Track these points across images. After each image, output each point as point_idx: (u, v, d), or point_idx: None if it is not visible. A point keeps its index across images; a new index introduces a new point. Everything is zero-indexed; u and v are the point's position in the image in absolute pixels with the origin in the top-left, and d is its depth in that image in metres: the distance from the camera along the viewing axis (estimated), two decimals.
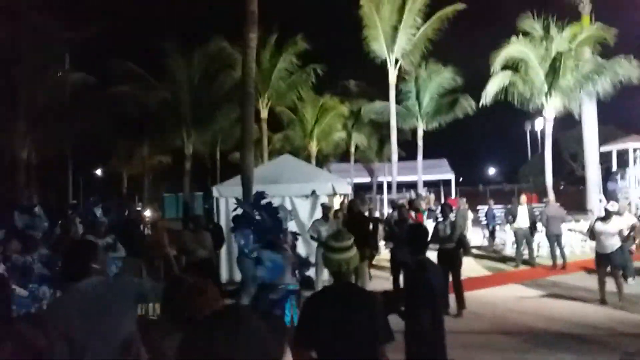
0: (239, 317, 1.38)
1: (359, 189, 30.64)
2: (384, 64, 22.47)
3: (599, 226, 9.53)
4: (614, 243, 9.34)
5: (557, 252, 13.58)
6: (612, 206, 9.65)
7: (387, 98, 23.01)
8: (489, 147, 56.77)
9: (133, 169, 33.11)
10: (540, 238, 15.33)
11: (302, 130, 28.16)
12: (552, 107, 19.80)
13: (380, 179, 33.07)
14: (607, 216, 9.54)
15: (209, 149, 31.07)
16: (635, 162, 20.47)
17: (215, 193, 12.89)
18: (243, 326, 1.32)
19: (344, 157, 33.06)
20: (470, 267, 12.09)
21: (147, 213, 14.85)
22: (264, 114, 23.34)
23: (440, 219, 10.03)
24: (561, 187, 33.70)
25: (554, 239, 13.71)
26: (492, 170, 65.12)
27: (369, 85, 28.59)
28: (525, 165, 44.41)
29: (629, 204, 18.16)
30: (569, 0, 21.01)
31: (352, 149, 31.15)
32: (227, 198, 12.33)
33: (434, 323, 4.20)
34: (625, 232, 9.83)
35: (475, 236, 18.65)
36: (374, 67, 23.05)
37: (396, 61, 22.32)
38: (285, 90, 23.72)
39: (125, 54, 24.01)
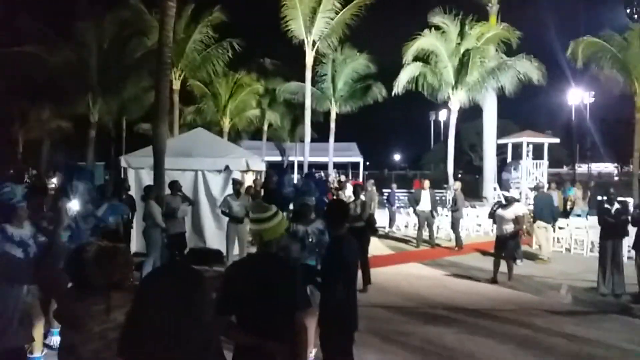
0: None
1: (271, 167, 30.61)
2: (301, 45, 22.57)
3: (500, 212, 10.37)
4: (510, 228, 10.21)
5: (457, 234, 14.58)
6: (511, 194, 10.49)
7: (303, 79, 23.21)
8: (397, 134, 58.73)
9: (30, 133, 30.97)
10: (440, 221, 16.35)
11: (215, 105, 27.70)
12: (458, 99, 20.90)
13: (291, 158, 33.36)
14: (507, 203, 10.40)
15: (115, 117, 29.70)
16: (527, 155, 22.10)
17: (123, 163, 12.47)
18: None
19: (256, 134, 32.95)
20: (375, 246, 12.61)
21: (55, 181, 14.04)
22: (176, 85, 22.68)
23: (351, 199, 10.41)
24: (459, 176, 35.64)
25: (458, 222, 14.69)
26: (398, 157, 67.50)
27: (285, 65, 28.62)
28: (428, 153, 46.52)
29: (520, 193, 19.63)
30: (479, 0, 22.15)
31: (265, 127, 31.11)
32: (136, 169, 12.02)
33: (348, 296, 4.41)
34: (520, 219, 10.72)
35: (381, 217, 19.41)
36: (291, 47, 23.10)
37: (314, 43, 22.49)
38: (199, 63, 23.14)
39: (30, 11, 22.26)
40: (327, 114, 26.43)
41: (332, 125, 26.02)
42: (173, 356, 1.69)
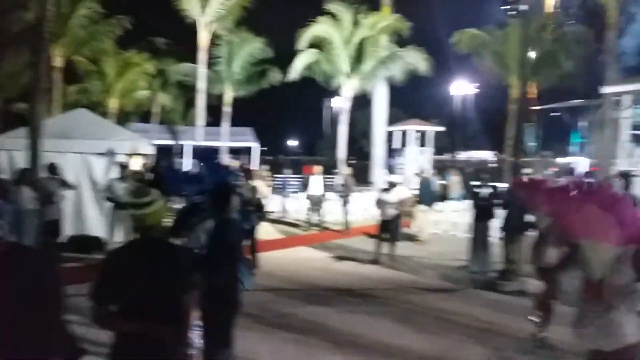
0: None
1: (161, 150, 29.70)
2: (196, 25, 22.01)
3: (383, 196, 10.87)
4: (392, 211, 10.76)
5: (345, 218, 15.07)
6: (395, 179, 11.03)
7: (197, 60, 22.66)
8: (293, 119, 59.01)
9: None
10: (329, 205, 16.79)
11: (102, 85, 26.26)
12: (350, 87, 21.46)
13: (183, 142, 32.47)
14: (389, 187, 10.93)
15: None
16: (414, 142, 23.27)
17: None
18: None
19: (147, 117, 31.70)
20: (265, 231, 12.73)
21: None
22: (58, 62, 21.25)
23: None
24: (352, 161, 36.67)
25: (347, 206, 15.18)
26: (294, 142, 68.02)
27: (179, 45, 27.70)
28: (323, 140, 47.37)
29: (405, 178, 20.63)
30: None
31: (156, 110, 30.04)
32: (10, 151, 11.21)
33: (231, 278, 4.47)
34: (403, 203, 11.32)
35: (274, 202, 19.57)
36: (185, 27, 22.45)
37: (209, 23, 22.00)
38: (85, 40, 21.83)
39: None
40: (222, 97, 26.04)
41: (227, 109, 25.69)
42: None
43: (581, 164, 22.44)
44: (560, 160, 28.66)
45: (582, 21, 21.88)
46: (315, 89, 27.38)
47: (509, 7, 11.04)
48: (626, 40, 27.67)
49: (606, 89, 15.69)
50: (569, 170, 18.59)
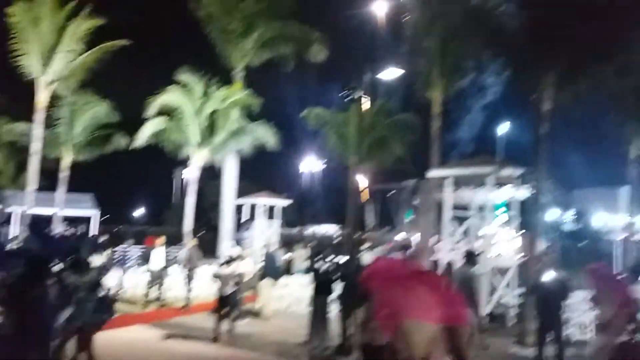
0: None
1: None
2: (35, 82, 20.63)
3: (221, 270, 10.67)
4: (231, 286, 10.57)
5: (188, 293, 14.49)
6: (234, 252, 10.92)
7: (33, 120, 21.05)
8: (140, 187, 56.60)
9: None
10: (171, 280, 16.06)
11: None
12: (200, 157, 21.32)
13: (11, 208, 29.44)
14: (229, 261, 10.77)
15: None
16: (262, 215, 23.48)
17: None
18: None
19: None
20: None
21: None
22: None
23: None
24: (200, 233, 35.89)
25: (190, 281, 14.64)
26: (140, 211, 64.98)
27: (15, 102, 25.60)
28: (170, 210, 46.00)
29: (252, 252, 20.59)
30: (226, 63, 23.30)
31: None
32: None
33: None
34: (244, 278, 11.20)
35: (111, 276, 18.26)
36: (24, 84, 20.92)
37: (50, 83, 20.74)
38: None
39: None
40: (60, 161, 24.29)
41: (65, 173, 23.96)
42: None
43: (413, 240, 24.23)
44: (395, 236, 30.71)
45: (412, 110, 24.32)
46: (166, 158, 26.77)
47: (347, 92, 12.07)
48: (464, 129, 31.34)
49: (431, 173, 17.37)
50: (401, 247, 19.93)
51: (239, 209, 25.73)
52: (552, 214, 38.12)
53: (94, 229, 31.48)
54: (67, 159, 23.85)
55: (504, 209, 16.87)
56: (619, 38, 12.47)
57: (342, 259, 12.19)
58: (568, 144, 34.54)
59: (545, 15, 12.13)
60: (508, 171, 15.17)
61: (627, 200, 21.17)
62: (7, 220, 26.95)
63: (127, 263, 18.57)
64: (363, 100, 15.74)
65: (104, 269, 8.82)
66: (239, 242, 23.12)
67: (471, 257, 10.13)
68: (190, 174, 21.86)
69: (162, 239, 15.24)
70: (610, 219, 34.43)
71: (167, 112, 20.92)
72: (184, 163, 34.23)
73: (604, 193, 35.79)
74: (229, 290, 10.53)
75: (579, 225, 39.23)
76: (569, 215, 40.87)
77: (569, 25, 11.74)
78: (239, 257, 11.35)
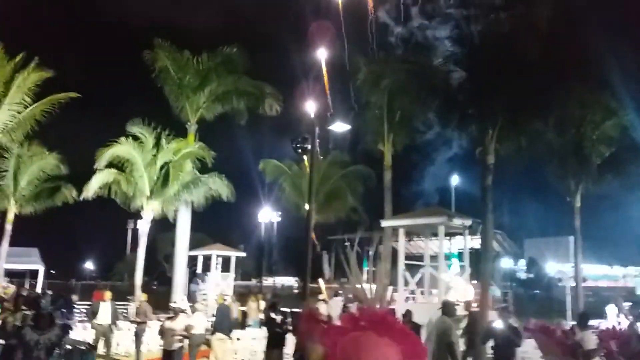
0: None
1: None
2: None
3: (167, 324, 10.33)
4: (177, 341, 10.23)
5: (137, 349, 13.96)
6: (180, 305, 10.64)
7: None
8: (90, 240, 54.79)
9: None
10: (120, 335, 15.44)
11: None
12: (151, 209, 20.97)
13: None
14: (175, 315, 10.46)
15: None
16: (216, 267, 23.09)
17: None
18: None
19: None
20: None
21: None
22: None
23: None
24: (153, 286, 34.97)
25: (140, 336, 14.10)
26: (90, 265, 62.71)
27: None
28: (122, 262, 44.71)
29: (206, 305, 20.08)
30: (179, 116, 23.35)
31: None
32: None
33: None
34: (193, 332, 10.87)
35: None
36: None
37: None
38: None
39: None
40: (4, 214, 23.41)
41: (8, 226, 23.06)
42: None
43: (369, 290, 24.18)
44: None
45: (365, 162, 24.89)
46: (118, 210, 26.22)
47: (299, 144, 12.23)
48: (415, 180, 31.99)
49: (384, 223, 17.60)
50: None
51: (193, 260, 25.27)
52: (504, 263, 38.88)
53: (39, 282, 30.20)
54: (12, 212, 23.02)
55: (455, 259, 17.17)
56: (555, 93, 13.21)
57: (297, 310, 12.01)
58: (516, 195, 35.78)
59: (484, 72, 12.77)
60: (458, 221, 15.51)
61: (574, 249, 21.84)
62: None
63: (73, 318, 17.73)
64: (316, 152, 15.96)
65: (65, 326, 8.37)
66: (192, 294, 22.57)
67: (448, 307, 9.98)
68: (142, 226, 21.39)
69: (109, 293, 14.68)
70: (560, 267, 35.37)
71: (117, 164, 20.65)
72: (136, 215, 33.67)
73: (554, 242, 36.90)
74: (175, 345, 10.18)
75: (532, 273, 40.06)
76: (521, 264, 41.76)
77: (507, 82, 12.38)
78: (183, 311, 11.00)
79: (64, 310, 15.68)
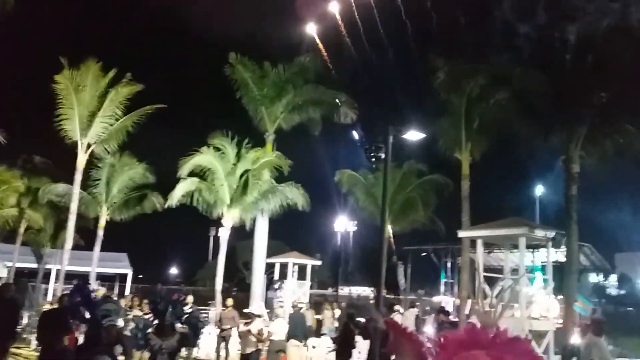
0: None
1: (21, 274, 27.40)
2: (75, 145, 21.60)
3: (242, 328, 10.62)
4: (252, 345, 10.47)
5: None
6: (255, 311, 10.89)
7: (73, 181, 21.93)
8: (174, 246, 57.18)
9: None
10: (204, 340, 15.97)
11: None
12: (231, 217, 21.61)
13: (49, 266, 30.17)
14: (250, 320, 10.73)
15: None
16: (293, 274, 23.36)
17: None
18: None
19: (12, 236, 29.40)
20: None
21: None
22: None
23: None
24: (233, 292, 35.90)
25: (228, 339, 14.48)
26: (175, 270, 65.34)
27: (56, 163, 26.78)
28: (203, 269, 46.19)
29: (284, 312, 20.38)
30: (257, 127, 23.96)
31: (22, 229, 28.02)
32: None
33: None
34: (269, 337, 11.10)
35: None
36: (64, 146, 21.95)
37: (89, 146, 21.69)
38: None
39: None
40: (96, 220, 24.97)
41: (101, 232, 24.56)
42: None
43: (449, 302, 23.62)
44: (430, 298, 30.01)
45: (441, 171, 24.40)
46: (200, 217, 27.24)
47: (372, 153, 12.20)
48: (494, 189, 31.07)
49: (461, 234, 17.12)
50: (438, 310, 19.43)
51: (270, 268, 25.72)
52: (593, 278, 36.73)
53: (127, 286, 31.89)
54: (103, 219, 24.51)
55: (538, 273, 16.42)
56: None
57: (371, 320, 11.92)
58: (606, 206, 33.77)
59: (569, 77, 12.22)
60: (540, 233, 14.81)
61: None
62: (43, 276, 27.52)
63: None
64: (392, 161, 15.84)
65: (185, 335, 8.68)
66: (269, 301, 22.98)
67: (598, 326, 9.05)
68: (223, 234, 22.08)
69: (190, 297, 15.23)
70: None
71: (200, 173, 21.46)
72: (217, 223, 34.78)
73: None
74: (249, 349, 10.42)
75: (623, 289, 37.61)
76: (612, 279, 39.28)
77: (593, 88, 11.79)
78: (259, 316, 11.22)
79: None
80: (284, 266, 24.41)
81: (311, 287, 27.02)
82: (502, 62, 15.38)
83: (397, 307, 19.55)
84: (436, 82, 20.74)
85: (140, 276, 42.88)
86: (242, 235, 30.14)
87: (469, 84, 19.17)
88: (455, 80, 19.91)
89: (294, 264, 23.80)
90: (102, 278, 28.51)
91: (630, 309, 33.85)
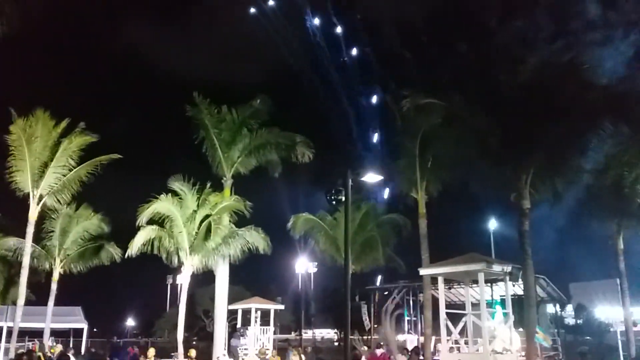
0: None
1: None
2: (27, 197, 20.99)
3: None
4: None
5: None
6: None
7: (24, 234, 21.19)
8: (130, 297, 55.46)
9: None
10: None
11: None
12: (191, 264, 21.23)
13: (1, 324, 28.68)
14: None
15: None
16: (256, 320, 23.02)
17: None
18: None
19: None
20: None
21: None
22: None
23: None
24: (194, 342, 34.94)
25: None
26: (131, 322, 63.11)
27: (7, 217, 25.83)
28: (162, 319, 44.90)
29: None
30: (215, 172, 23.91)
31: None
32: None
33: None
34: None
35: None
36: (16, 198, 21.28)
37: (41, 197, 21.11)
38: None
39: None
40: (50, 274, 24.09)
41: (54, 286, 23.68)
42: None
43: (413, 341, 23.69)
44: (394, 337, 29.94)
45: (400, 210, 24.80)
46: (157, 266, 26.63)
47: (332, 196, 12.35)
48: (464, 225, 31.74)
49: (422, 271, 17.38)
50: (402, 349, 19.42)
51: (232, 315, 25.29)
52: (550, 309, 37.55)
53: (83, 340, 30.59)
54: (57, 272, 23.70)
55: (498, 306, 16.77)
56: (590, 136, 13.13)
57: None
58: (559, 238, 34.92)
59: (516, 117, 12.85)
60: (498, 267, 15.23)
61: (623, 292, 21.07)
62: None
63: None
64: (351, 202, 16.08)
65: None
66: (233, 349, 22.49)
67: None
68: (183, 281, 21.64)
69: (152, 351, 14.85)
70: (609, 311, 33.95)
71: (159, 220, 21.10)
72: (174, 270, 34.02)
73: (600, 285, 35.58)
74: None
75: (580, 319, 38.52)
76: (569, 309, 40.25)
77: (539, 127, 12.42)
78: None
79: None
80: (246, 312, 24.06)
81: (274, 332, 26.64)
82: (455, 102, 16.01)
83: (364, 347, 19.48)
84: (391, 124, 21.33)
85: (96, 330, 41.31)
86: (201, 282, 29.64)
87: (421, 125, 19.83)
88: (407, 122, 20.55)
89: (257, 309, 23.52)
90: (56, 334, 27.32)
91: (588, 337, 34.65)
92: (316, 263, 42.95)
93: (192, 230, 21.22)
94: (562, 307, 39.03)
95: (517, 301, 16.96)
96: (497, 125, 14.24)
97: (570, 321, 39.24)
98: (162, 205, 20.98)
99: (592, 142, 13.41)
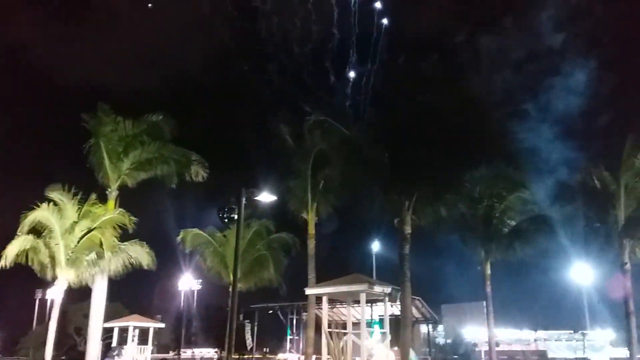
0: None
1: None
2: None
3: None
4: None
5: None
6: None
7: None
8: None
9: None
10: None
11: None
12: (66, 278, 20.04)
13: None
14: None
15: None
16: (133, 339, 22.14)
17: None
18: None
19: None
20: None
21: None
22: None
23: None
24: None
25: None
26: None
27: None
28: (27, 337, 41.55)
29: None
30: (100, 182, 22.89)
31: None
32: None
33: None
34: None
35: None
36: None
37: None
38: None
39: None
40: None
41: None
42: None
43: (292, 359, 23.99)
44: (276, 356, 30.18)
45: (291, 230, 25.26)
46: (26, 279, 24.79)
47: (225, 214, 12.44)
48: (351, 247, 32.62)
49: (308, 291, 17.84)
50: None
51: (108, 333, 24.10)
52: (424, 329, 39.72)
53: None
54: None
55: (377, 326, 17.55)
56: (464, 169, 14.40)
57: None
58: (435, 262, 37.23)
59: (400, 148, 13.80)
60: (379, 289, 16.02)
61: (487, 314, 22.84)
62: None
63: None
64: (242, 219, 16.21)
65: None
66: None
67: None
68: (55, 296, 20.31)
69: None
70: (476, 332, 36.56)
71: (40, 230, 19.79)
72: (45, 284, 31.78)
73: (469, 307, 38.30)
74: None
75: (450, 338, 41.05)
76: (440, 329, 42.78)
77: (427, 156, 13.44)
78: None
79: None
80: (123, 330, 23.08)
81: (152, 352, 25.74)
82: (350, 127, 16.79)
83: None
84: (284, 147, 21.84)
85: None
86: (76, 297, 27.95)
87: (315, 145, 20.51)
88: (300, 145, 21.17)
89: (135, 327, 22.66)
90: None
91: (456, 357, 37.02)
92: (200, 280, 42.15)
93: (71, 243, 20.09)
94: (434, 327, 41.49)
95: (394, 321, 17.86)
96: (386, 153, 15.14)
97: (441, 340, 41.72)
98: (41, 214, 19.71)
99: (470, 174, 14.70)
